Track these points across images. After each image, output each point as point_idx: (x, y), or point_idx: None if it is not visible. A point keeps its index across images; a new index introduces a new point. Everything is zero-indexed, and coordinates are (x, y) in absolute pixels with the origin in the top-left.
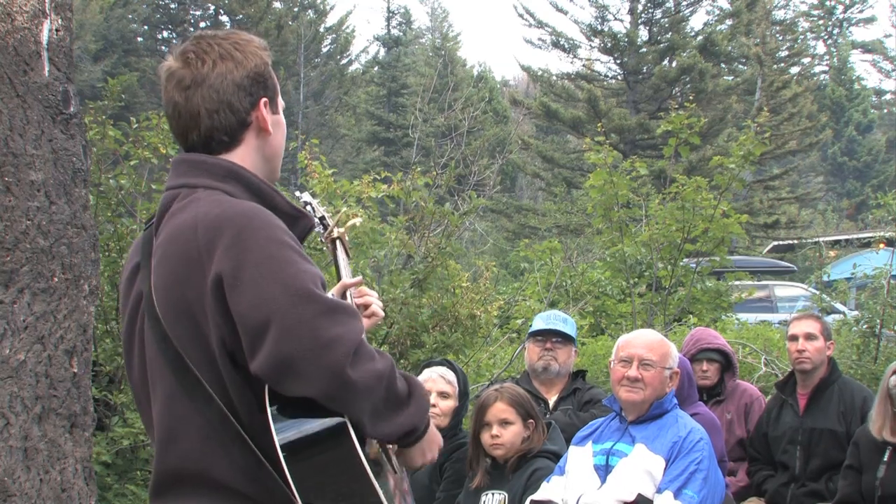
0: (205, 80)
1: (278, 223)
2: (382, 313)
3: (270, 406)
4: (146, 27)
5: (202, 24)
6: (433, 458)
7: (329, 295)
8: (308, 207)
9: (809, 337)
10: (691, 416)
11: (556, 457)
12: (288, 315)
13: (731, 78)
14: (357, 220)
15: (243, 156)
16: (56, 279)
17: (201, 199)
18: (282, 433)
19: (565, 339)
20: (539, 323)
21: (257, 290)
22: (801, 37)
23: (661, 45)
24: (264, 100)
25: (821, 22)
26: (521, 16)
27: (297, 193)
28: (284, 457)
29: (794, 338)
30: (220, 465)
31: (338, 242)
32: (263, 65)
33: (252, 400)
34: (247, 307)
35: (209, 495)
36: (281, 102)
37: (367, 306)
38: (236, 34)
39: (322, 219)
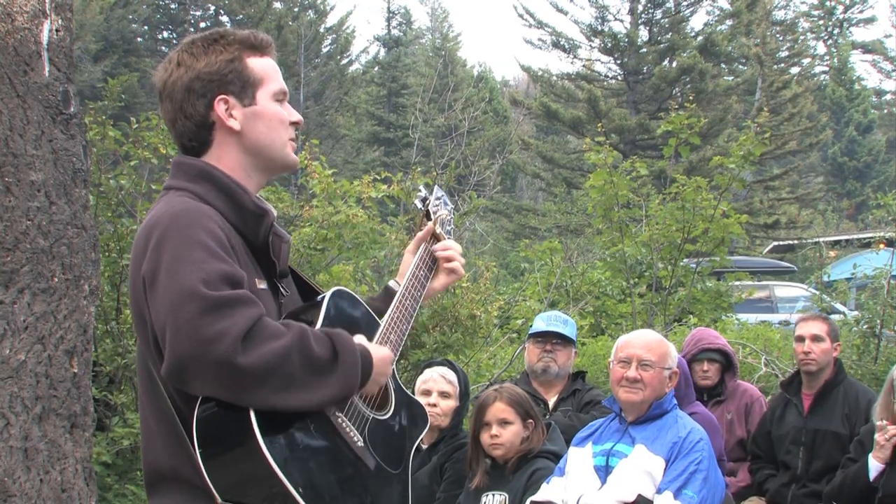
0: (165, 90)
1: (205, 224)
2: (463, 272)
3: (200, 405)
4: (146, 27)
5: (202, 25)
6: (386, 380)
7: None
8: (422, 203)
9: (816, 338)
10: (689, 415)
11: (556, 457)
12: (176, 317)
13: (731, 78)
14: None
15: (219, 155)
16: (56, 279)
17: (163, 201)
18: (200, 429)
19: (565, 340)
20: (539, 324)
21: (160, 294)
22: (802, 37)
23: (662, 46)
24: (221, 97)
25: (821, 22)
26: (521, 16)
27: (423, 188)
28: (200, 454)
29: (800, 339)
30: (184, 462)
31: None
32: (222, 62)
33: (190, 399)
34: (154, 310)
35: (180, 492)
36: (268, 90)
37: (448, 260)
38: (213, 34)
39: (427, 213)
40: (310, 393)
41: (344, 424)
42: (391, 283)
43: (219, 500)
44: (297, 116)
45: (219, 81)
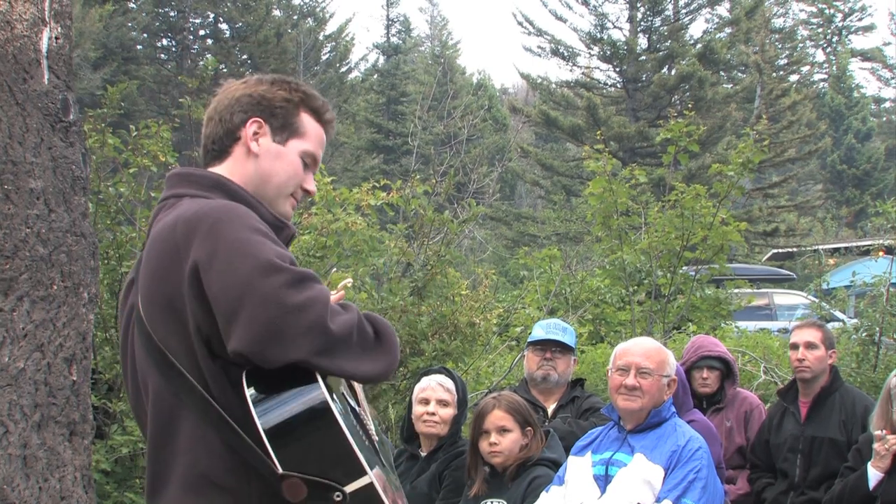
0: (217, 97)
1: (255, 216)
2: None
3: (248, 389)
4: (146, 35)
5: (201, 33)
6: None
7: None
8: None
9: (810, 346)
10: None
11: (555, 465)
12: (260, 286)
13: (730, 86)
14: (349, 282)
15: (232, 169)
16: (55, 287)
17: (183, 204)
18: (263, 416)
19: (564, 348)
20: (538, 332)
21: (229, 269)
22: (801, 45)
23: (661, 53)
24: (257, 120)
25: (820, 30)
26: (520, 24)
27: None
28: (269, 441)
29: (794, 346)
30: (201, 457)
31: None
32: (279, 98)
33: (228, 387)
34: (220, 287)
35: (196, 491)
36: (299, 146)
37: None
38: (292, 80)
39: None
40: (373, 363)
41: (363, 416)
42: None
43: (279, 471)
44: (312, 186)
45: (265, 108)
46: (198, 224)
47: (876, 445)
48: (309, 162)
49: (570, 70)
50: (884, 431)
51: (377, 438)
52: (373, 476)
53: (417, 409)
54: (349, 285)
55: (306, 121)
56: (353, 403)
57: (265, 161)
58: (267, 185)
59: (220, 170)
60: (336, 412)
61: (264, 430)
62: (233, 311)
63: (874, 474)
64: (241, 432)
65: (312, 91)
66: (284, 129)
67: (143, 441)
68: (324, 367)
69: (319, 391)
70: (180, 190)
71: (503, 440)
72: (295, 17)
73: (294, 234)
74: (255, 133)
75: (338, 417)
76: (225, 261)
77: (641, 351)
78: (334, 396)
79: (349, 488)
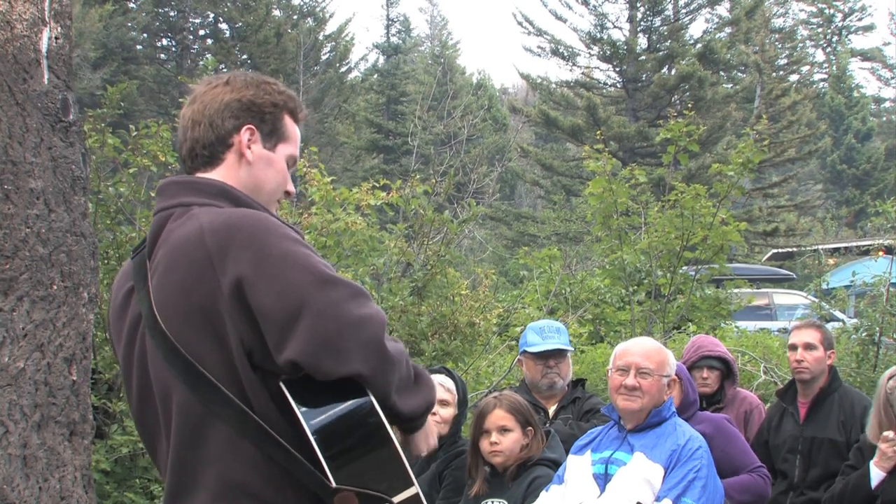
0: (201, 97)
1: (283, 224)
2: None
3: (292, 399)
4: (145, 35)
5: (201, 33)
6: (434, 444)
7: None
8: None
9: (808, 347)
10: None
11: (556, 465)
12: (319, 299)
13: (730, 86)
14: None
15: (226, 175)
16: (55, 287)
17: (200, 213)
18: (309, 420)
19: (563, 351)
20: (534, 339)
21: (283, 280)
22: (801, 45)
23: (661, 53)
24: (249, 126)
25: (820, 30)
26: (520, 24)
27: None
28: (316, 441)
29: (793, 347)
30: (238, 467)
31: None
32: (267, 102)
33: (268, 399)
34: (274, 299)
35: (229, 500)
36: (286, 150)
37: None
38: (270, 79)
39: None
40: (411, 399)
41: None
42: None
43: (333, 484)
44: (292, 188)
45: (255, 114)
46: (232, 235)
47: (882, 445)
48: (290, 163)
49: (570, 70)
50: (892, 433)
51: None
52: (418, 486)
53: None
54: None
55: (289, 124)
56: None
57: (258, 168)
58: (260, 192)
59: (217, 176)
60: (386, 423)
61: (315, 441)
62: (289, 322)
63: (877, 473)
64: (286, 444)
65: (291, 92)
66: (273, 135)
67: (143, 444)
68: (375, 384)
69: (369, 400)
70: (186, 199)
71: (504, 440)
72: (295, 17)
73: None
74: (249, 140)
75: (388, 429)
76: (276, 273)
77: (641, 351)
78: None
79: (397, 499)
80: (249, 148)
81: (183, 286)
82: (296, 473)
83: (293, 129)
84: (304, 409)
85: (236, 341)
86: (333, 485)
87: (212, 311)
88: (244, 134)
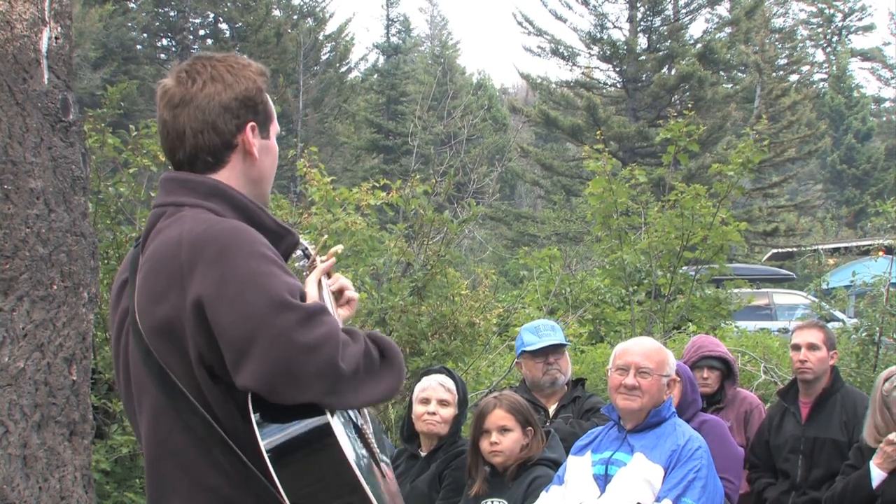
0: (192, 100)
1: (261, 239)
2: (356, 295)
3: (254, 413)
4: (145, 35)
5: (201, 33)
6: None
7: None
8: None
9: (812, 347)
10: (702, 423)
11: (556, 465)
12: (272, 326)
13: (730, 86)
14: (339, 248)
15: (228, 176)
16: (55, 287)
17: (187, 216)
18: (267, 438)
19: (561, 347)
20: (531, 338)
21: (240, 304)
22: (801, 45)
23: (661, 53)
24: (252, 124)
25: (820, 30)
26: (520, 24)
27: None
28: (271, 460)
29: (796, 347)
30: (209, 473)
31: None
32: (256, 90)
33: (234, 409)
34: (230, 322)
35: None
36: (275, 128)
37: (341, 292)
38: (234, 57)
39: (305, 250)
40: (377, 389)
41: (367, 433)
42: None
43: (286, 502)
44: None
45: (253, 108)
46: (203, 249)
47: (887, 448)
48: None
49: (570, 70)
50: (894, 435)
51: (373, 441)
52: None
53: (418, 408)
54: (339, 251)
55: (269, 99)
56: (352, 414)
57: (262, 161)
58: (264, 181)
59: (221, 178)
60: (343, 444)
61: (270, 460)
62: (243, 347)
63: (878, 473)
64: (244, 459)
65: (256, 63)
66: (266, 121)
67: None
68: (333, 406)
69: (326, 421)
70: (179, 197)
71: (504, 440)
72: (295, 17)
73: (296, 241)
74: (252, 137)
75: (344, 451)
76: (235, 294)
77: (641, 350)
78: (336, 415)
79: None
80: (254, 144)
81: (157, 293)
82: (253, 488)
83: (271, 102)
84: (263, 424)
85: (196, 355)
86: (287, 502)
87: (176, 323)
88: (249, 132)
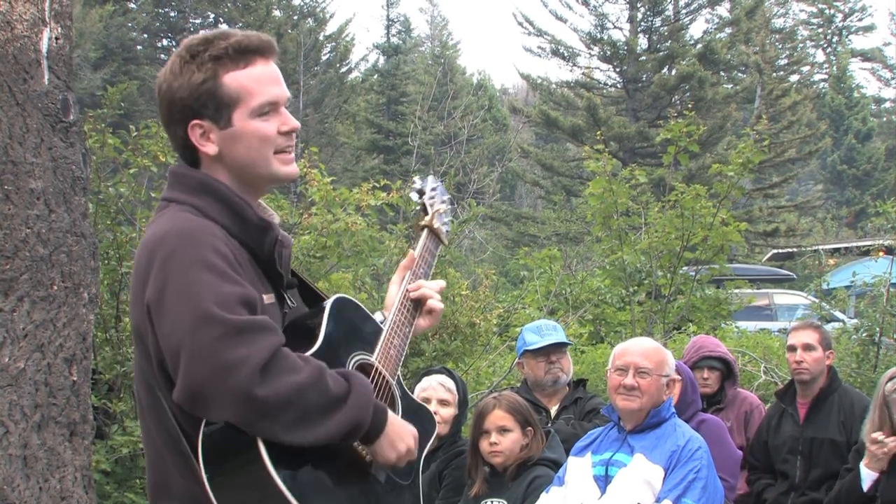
0: (159, 95)
1: (211, 243)
2: (441, 306)
3: (206, 427)
4: (146, 35)
5: (201, 33)
6: (408, 449)
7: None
8: (419, 195)
9: (807, 347)
10: (700, 423)
11: (556, 465)
12: (192, 340)
13: (730, 86)
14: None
15: (214, 169)
16: (55, 287)
17: (165, 216)
18: (206, 451)
19: (563, 346)
20: (533, 338)
21: (171, 317)
22: (801, 45)
23: (661, 54)
24: (195, 122)
25: (820, 30)
26: (520, 24)
27: (417, 180)
28: (207, 477)
29: (792, 348)
30: (176, 481)
31: (426, 231)
32: (193, 85)
33: (196, 419)
34: (164, 334)
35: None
36: (247, 106)
37: (423, 301)
38: (199, 42)
39: (424, 206)
40: (317, 430)
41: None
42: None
43: None
44: (290, 125)
45: (191, 107)
46: (156, 253)
47: (872, 447)
48: (267, 110)
49: (570, 70)
50: (881, 434)
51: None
52: None
53: None
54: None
55: (233, 81)
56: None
57: (228, 153)
58: (249, 168)
59: (206, 168)
60: (266, 457)
61: (203, 461)
62: (174, 363)
63: (868, 475)
64: (193, 461)
65: (229, 36)
66: (221, 111)
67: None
68: (256, 433)
69: (253, 436)
70: (172, 193)
71: (503, 440)
72: (295, 18)
73: (277, 236)
74: (202, 135)
75: (268, 464)
76: (170, 304)
77: (640, 351)
78: None
79: None
80: (210, 141)
81: (133, 296)
82: (197, 492)
83: (243, 79)
84: (205, 426)
85: (157, 362)
86: None
87: (142, 326)
88: (193, 134)
